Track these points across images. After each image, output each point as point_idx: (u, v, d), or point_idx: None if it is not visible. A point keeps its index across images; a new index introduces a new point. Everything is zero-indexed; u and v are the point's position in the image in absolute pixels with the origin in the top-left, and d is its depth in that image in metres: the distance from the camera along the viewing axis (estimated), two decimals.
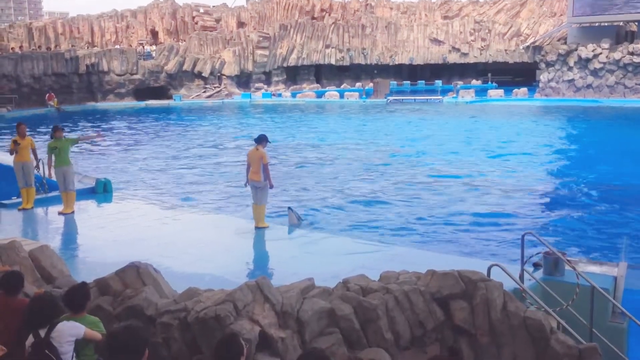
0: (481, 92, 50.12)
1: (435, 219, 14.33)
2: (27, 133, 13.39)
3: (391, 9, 62.74)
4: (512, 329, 6.15)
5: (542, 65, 47.56)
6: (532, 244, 8.86)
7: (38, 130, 28.89)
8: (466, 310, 6.20)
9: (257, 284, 5.91)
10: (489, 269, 6.87)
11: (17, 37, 53.91)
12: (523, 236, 7.93)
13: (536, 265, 8.22)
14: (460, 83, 55.17)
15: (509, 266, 7.43)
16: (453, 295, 6.25)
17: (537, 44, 53.08)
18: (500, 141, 27.37)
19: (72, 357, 4.71)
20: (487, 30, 56.88)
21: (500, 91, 48.57)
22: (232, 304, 5.64)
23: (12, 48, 50.49)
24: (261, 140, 11.54)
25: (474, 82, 56.69)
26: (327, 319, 5.97)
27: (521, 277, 7.57)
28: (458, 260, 8.81)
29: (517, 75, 56.12)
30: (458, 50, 57.48)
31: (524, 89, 48.01)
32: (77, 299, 5.04)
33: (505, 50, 56.08)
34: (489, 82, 54.99)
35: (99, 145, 28.17)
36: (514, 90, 48.19)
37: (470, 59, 57.59)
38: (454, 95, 49.27)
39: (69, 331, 4.65)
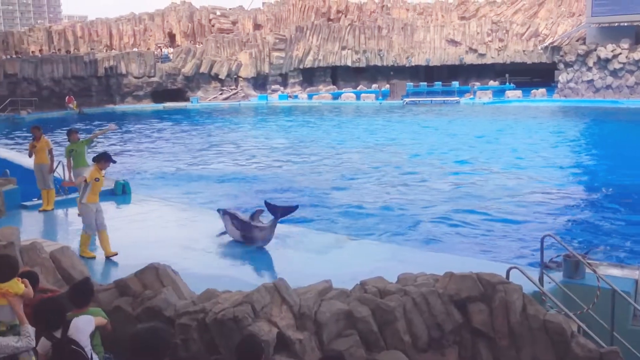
0: (499, 93, 49.77)
1: (452, 221, 14.26)
2: (48, 136, 13.54)
3: (407, 10, 62.58)
4: (531, 332, 6.09)
5: (561, 66, 47.13)
6: (551, 247, 8.78)
7: (57, 133, 29.21)
8: (485, 312, 6.16)
9: (274, 285, 5.92)
10: (508, 272, 6.81)
11: (37, 40, 54.59)
12: (542, 238, 7.85)
13: (547, 267, 8.11)
14: (477, 84, 54.83)
15: (528, 269, 7.37)
16: (471, 298, 6.21)
17: (555, 44, 52.60)
18: (519, 142, 27.16)
19: (90, 349, 4.83)
20: (504, 31, 56.49)
21: (518, 92, 48.21)
22: (250, 306, 5.66)
23: (32, 51, 51.15)
24: (99, 159, 10.10)
25: (492, 83, 56.31)
26: (345, 321, 5.96)
27: (541, 280, 7.51)
28: (476, 263, 8.75)
29: (535, 75, 55.66)
30: (475, 51, 57.16)
31: (543, 90, 47.60)
32: (82, 294, 5.19)
33: (523, 50, 55.65)
34: (507, 83, 54.59)
35: (118, 146, 28.42)
36: (532, 91, 47.81)
37: (488, 60, 57.23)
38: (471, 96, 48.98)
39: (84, 326, 4.77)
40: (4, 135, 32.35)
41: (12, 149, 24.75)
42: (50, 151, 13.25)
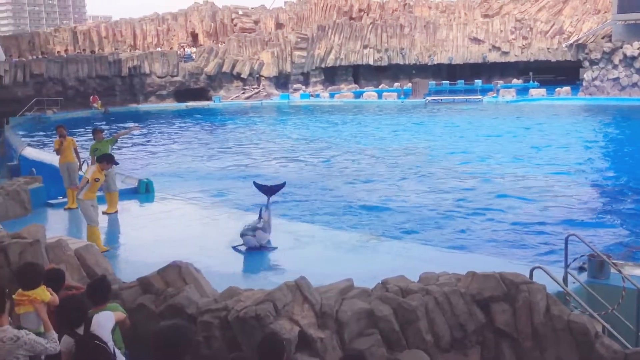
0: (522, 91, 49.26)
1: (475, 220, 14.15)
2: (73, 135, 13.75)
3: (430, 8, 62.24)
4: (555, 332, 6.02)
5: (586, 64, 46.49)
6: (576, 246, 8.66)
7: (82, 132, 29.60)
8: (508, 313, 6.10)
9: (296, 284, 5.93)
10: (531, 272, 6.74)
11: (63, 40, 55.37)
12: (567, 238, 7.76)
13: (581, 269, 8.02)
14: (500, 82, 54.34)
15: (552, 269, 7.28)
16: (494, 298, 6.16)
17: (580, 41, 51.92)
18: (543, 141, 26.85)
19: (113, 345, 4.92)
20: (528, 29, 55.89)
21: (542, 90, 47.66)
22: (272, 304, 5.67)
23: (57, 52, 51.88)
24: (102, 160, 10.49)
25: (515, 81, 55.75)
26: (367, 320, 5.95)
27: (565, 279, 7.42)
28: (499, 263, 8.68)
29: (559, 74, 54.97)
30: (498, 49, 56.64)
31: (567, 88, 46.99)
32: (100, 292, 5.27)
33: (548, 48, 55.01)
34: (531, 81, 54.00)
35: (142, 145, 28.71)
36: (556, 89, 47.24)
37: (511, 58, 56.69)
38: (494, 94, 48.55)
39: (105, 322, 4.86)
40: (30, 134, 32.86)
41: (39, 148, 25.11)
42: (75, 150, 13.44)
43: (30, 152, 22.12)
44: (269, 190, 10.75)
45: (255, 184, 11.11)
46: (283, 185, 11.16)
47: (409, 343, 5.93)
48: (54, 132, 14.14)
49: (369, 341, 5.78)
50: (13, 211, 12.36)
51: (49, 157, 18.88)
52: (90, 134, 15.07)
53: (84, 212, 10.30)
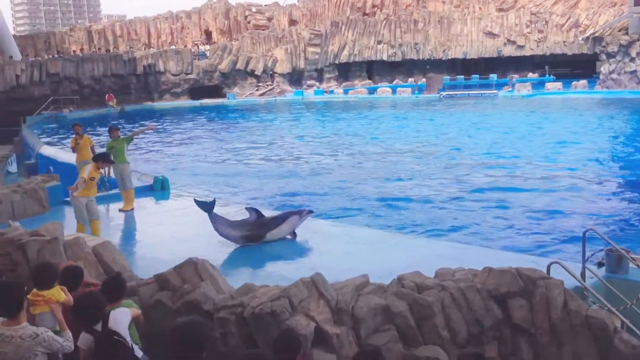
0: (538, 85, 48.82)
1: (491, 215, 14.08)
2: (88, 134, 13.86)
3: (444, 2, 61.85)
4: (573, 328, 5.97)
5: (603, 57, 45.97)
6: (594, 241, 8.58)
7: (97, 130, 29.85)
8: (525, 308, 6.06)
9: (312, 280, 5.93)
10: (548, 267, 6.69)
11: (78, 40, 55.84)
12: (585, 233, 7.69)
13: (599, 264, 7.95)
14: (516, 76, 53.91)
15: (570, 264, 7.21)
16: (511, 293, 6.12)
17: (597, 34, 51.31)
18: (559, 135, 26.62)
19: (130, 340, 5.00)
20: (544, 22, 55.37)
21: (559, 84, 47.21)
22: (288, 300, 5.68)
23: (73, 51, 52.33)
24: (98, 159, 10.84)
25: (531, 75, 55.29)
26: (382, 316, 5.94)
27: (583, 275, 7.35)
28: (516, 258, 8.61)
29: (576, 67, 54.41)
30: (514, 42, 56.20)
31: (584, 82, 46.50)
32: (115, 289, 5.33)
33: (564, 41, 54.48)
34: (547, 75, 53.50)
35: (157, 143, 28.87)
36: (573, 83, 46.76)
37: (527, 52, 56.22)
38: (510, 89, 48.17)
39: (121, 318, 4.93)
40: (47, 133, 33.17)
41: (56, 146, 25.35)
42: (92, 148, 13.55)
43: (47, 151, 22.34)
44: (206, 207, 10.35)
45: (196, 201, 10.71)
46: (213, 203, 10.62)
47: (425, 339, 5.91)
48: (71, 130, 14.27)
49: (385, 337, 5.77)
50: (31, 209, 12.50)
51: (65, 155, 19.05)
52: (106, 132, 15.19)
53: (75, 209, 10.62)
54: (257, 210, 10.29)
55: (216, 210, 10.50)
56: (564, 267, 6.74)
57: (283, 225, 10.07)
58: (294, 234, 10.22)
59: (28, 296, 4.91)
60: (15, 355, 4.34)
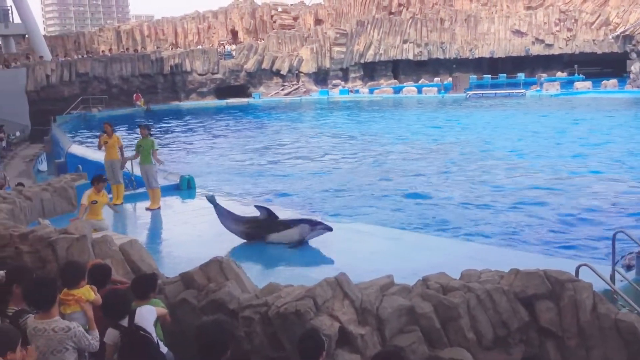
0: (567, 84, 48.11)
1: (518, 216, 13.91)
2: (117, 132, 14.01)
3: (471, 1, 61.22)
4: (602, 331, 5.86)
5: (633, 55, 45.20)
6: (624, 244, 8.43)
7: (125, 129, 30.19)
8: (553, 311, 5.97)
9: (336, 280, 5.92)
10: (577, 269, 6.58)
11: (107, 40, 56.59)
12: (614, 235, 7.56)
13: (629, 267, 7.81)
14: (544, 75, 53.16)
15: (599, 267, 7.09)
16: (538, 296, 6.03)
17: (627, 33, 50.40)
18: (589, 135, 26.20)
19: (156, 337, 5.09)
20: (573, 20, 54.54)
21: (588, 83, 46.45)
22: (312, 300, 5.68)
23: (102, 51, 53.03)
24: (93, 182, 10.79)
25: (559, 74, 54.48)
26: (407, 317, 5.90)
27: (612, 277, 7.22)
28: (543, 260, 8.50)
29: (605, 66, 53.49)
30: (542, 41, 55.46)
31: (614, 81, 45.66)
32: (146, 287, 5.44)
33: (593, 40, 53.60)
34: (576, 74, 52.69)
35: (183, 142, 29.10)
36: (602, 82, 45.95)
37: (555, 50, 55.42)
38: (538, 88, 47.55)
39: (148, 315, 5.01)
40: (76, 132, 33.69)
41: (84, 145, 25.72)
42: (120, 148, 13.70)
43: (77, 150, 22.68)
44: (212, 201, 10.64)
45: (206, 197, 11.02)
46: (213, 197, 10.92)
47: (450, 340, 5.86)
48: (99, 129, 14.44)
49: (410, 338, 5.74)
50: (60, 207, 12.72)
51: (94, 154, 19.30)
52: (132, 131, 15.33)
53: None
54: (268, 210, 10.24)
55: (237, 209, 10.58)
56: (593, 269, 6.63)
57: (289, 231, 9.86)
58: (300, 242, 9.83)
59: (59, 295, 5.00)
60: (46, 348, 4.44)
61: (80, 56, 49.91)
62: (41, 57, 46.46)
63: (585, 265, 6.71)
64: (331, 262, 9.36)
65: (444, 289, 6.15)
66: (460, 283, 6.23)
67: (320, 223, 10.02)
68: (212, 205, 10.75)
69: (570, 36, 54.55)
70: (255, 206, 10.69)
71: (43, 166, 26.90)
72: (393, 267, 7.46)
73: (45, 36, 54.97)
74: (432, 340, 5.84)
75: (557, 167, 19.48)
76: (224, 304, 6.06)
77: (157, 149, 13.39)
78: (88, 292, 5.19)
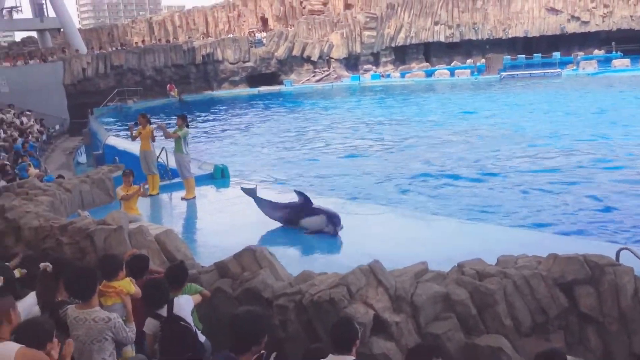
0: (605, 62, 46.85)
1: (556, 199, 13.64)
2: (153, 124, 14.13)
3: None
4: None
5: None
6: None
7: (159, 120, 30.52)
8: (593, 296, 5.84)
9: (370, 267, 5.89)
10: (617, 253, 6.42)
11: (140, 31, 57.21)
12: None
13: None
14: (580, 54, 51.85)
15: None
16: (578, 281, 5.91)
17: None
18: (629, 115, 25.49)
19: (194, 326, 5.19)
20: None
21: (626, 61, 45.15)
22: (346, 288, 5.67)
23: (135, 42, 53.64)
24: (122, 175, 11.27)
25: (596, 52, 53.06)
26: (442, 304, 5.85)
27: None
28: (582, 244, 8.33)
29: None
30: (578, 19, 54.05)
31: None
32: (178, 276, 5.53)
33: (631, 16, 52.01)
34: (614, 52, 51.23)
35: (217, 131, 29.30)
36: None
37: (592, 28, 53.97)
38: (574, 67, 46.43)
39: (185, 305, 5.12)
40: (113, 124, 34.22)
41: (121, 136, 26.11)
42: (153, 139, 13.84)
43: (114, 141, 23.04)
44: (251, 193, 11.03)
45: (242, 189, 11.42)
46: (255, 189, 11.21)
47: (487, 327, 5.79)
48: (135, 121, 14.61)
49: (445, 325, 5.69)
50: (99, 199, 12.94)
51: (130, 145, 19.56)
52: (168, 122, 15.45)
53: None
54: (304, 195, 10.40)
55: (273, 197, 10.65)
56: (634, 253, 6.46)
57: (313, 218, 10.07)
58: (315, 232, 9.95)
59: (99, 287, 5.10)
60: (86, 338, 4.53)
61: (114, 48, 50.57)
62: (77, 50, 47.24)
63: (626, 248, 6.55)
64: (364, 249, 9.32)
65: (480, 275, 6.07)
66: (497, 269, 6.15)
67: (335, 217, 9.98)
68: (246, 195, 10.91)
69: (607, 12, 53.02)
70: (295, 191, 10.78)
71: (82, 158, 27.44)
72: (427, 253, 7.40)
73: (80, 30, 55.84)
74: (468, 327, 5.79)
75: (595, 149, 19.03)
76: (258, 293, 6.10)
77: (187, 139, 13.54)
78: (129, 285, 5.28)
